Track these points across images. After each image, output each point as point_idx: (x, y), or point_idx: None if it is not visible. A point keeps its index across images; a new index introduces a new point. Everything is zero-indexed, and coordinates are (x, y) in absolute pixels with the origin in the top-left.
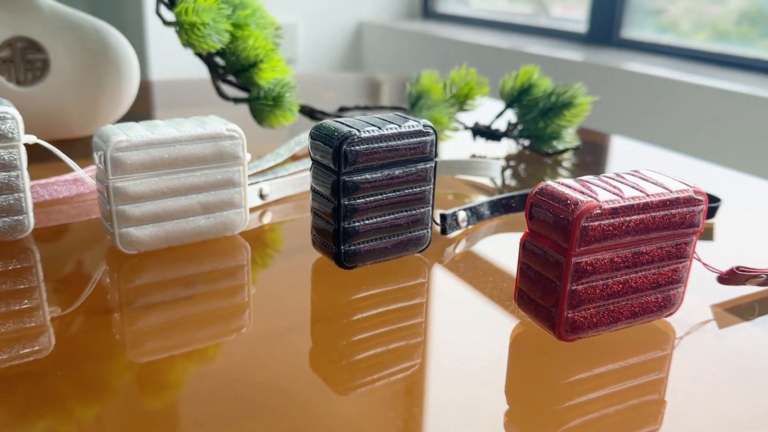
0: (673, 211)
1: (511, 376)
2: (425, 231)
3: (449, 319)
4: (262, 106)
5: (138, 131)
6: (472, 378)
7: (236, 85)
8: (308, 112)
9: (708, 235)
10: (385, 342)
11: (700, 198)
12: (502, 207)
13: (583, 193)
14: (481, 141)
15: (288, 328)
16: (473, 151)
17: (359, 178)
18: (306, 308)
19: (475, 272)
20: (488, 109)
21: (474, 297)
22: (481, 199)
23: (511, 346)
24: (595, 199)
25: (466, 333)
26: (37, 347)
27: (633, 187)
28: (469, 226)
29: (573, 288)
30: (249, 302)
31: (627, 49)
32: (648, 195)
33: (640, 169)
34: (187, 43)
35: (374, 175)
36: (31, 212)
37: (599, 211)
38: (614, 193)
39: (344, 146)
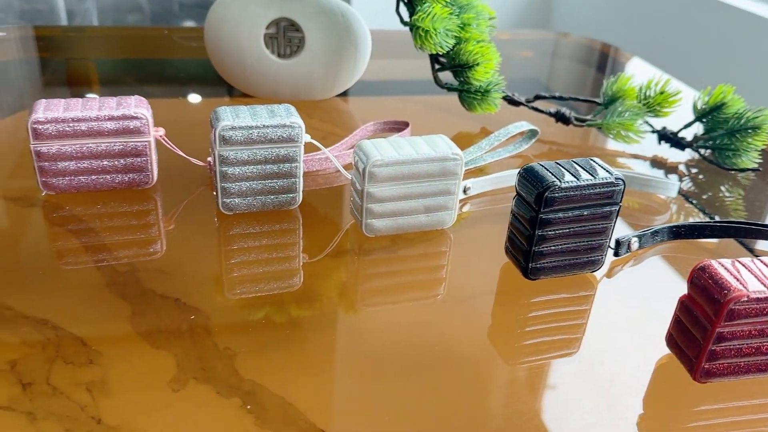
0: None
1: (649, 393)
2: (600, 256)
3: (604, 329)
4: (472, 98)
5: (388, 151)
6: (615, 384)
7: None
8: (509, 100)
9: None
10: (550, 333)
11: None
12: (672, 234)
13: (737, 279)
14: (665, 146)
15: (473, 295)
16: (655, 152)
17: (553, 216)
18: (492, 288)
19: (636, 293)
20: (676, 116)
21: (631, 317)
22: (654, 225)
23: (655, 371)
24: (744, 287)
25: (619, 344)
26: (290, 285)
27: None
28: (639, 250)
29: (713, 348)
30: (445, 277)
31: None
32: None
33: None
34: (420, 46)
35: (566, 215)
36: (300, 192)
37: (746, 299)
38: (762, 283)
39: (546, 193)
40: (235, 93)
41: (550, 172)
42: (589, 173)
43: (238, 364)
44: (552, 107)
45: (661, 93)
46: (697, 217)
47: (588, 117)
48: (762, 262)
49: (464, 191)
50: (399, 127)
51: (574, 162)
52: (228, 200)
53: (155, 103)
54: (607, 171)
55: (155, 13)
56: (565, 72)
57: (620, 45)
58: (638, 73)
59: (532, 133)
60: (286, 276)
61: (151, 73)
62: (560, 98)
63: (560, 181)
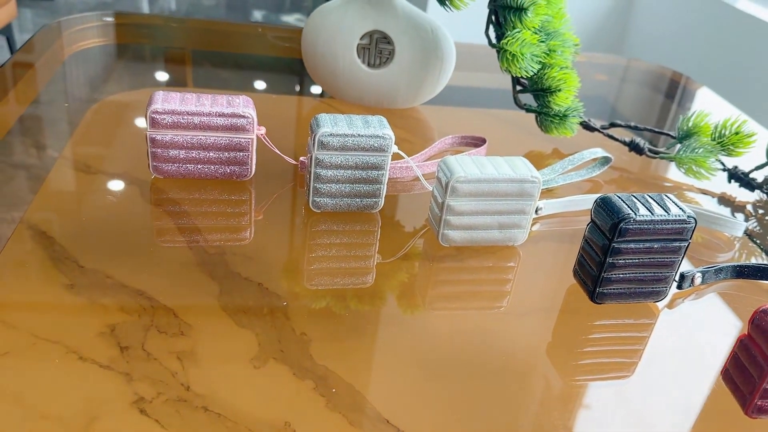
0: None
1: (698, 424)
2: (665, 288)
3: (661, 358)
4: (550, 121)
5: (470, 168)
6: (660, 412)
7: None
8: (585, 125)
9: None
10: (608, 355)
11: None
12: (735, 273)
13: None
14: (734, 185)
15: (536, 311)
16: (724, 189)
17: (625, 246)
18: (555, 306)
19: (695, 327)
20: (749, 156)
21: (687, 349)
22: (719, 263)
23: (706, 404)
24: None
25: (672, 374)
26: (363, 281)
27: None
28: (702, 285)
29: (766, 387)
30: (510, 291)
31: None
32: None
33: None
34: (506, 69)
35: (637, 246)
36: (383, 197)
37: None
38: None
39: (621, 224)
40: (324, 95)
41: (627, 204)
42: (663, 209)
43: (312, 350)
44: (627, 136)
45: (737, 133)
46: (761, 259)
47: (662, 149)
48: None
49: (536, 211)
50: (476, 142)
51: (649, 196)
52: (318, 199)
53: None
54: (680, 208)
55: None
56: (635, 98)
57: (691, 73)
58: (707, 103)
59: (605, 160)
60: (361, 273)
61: (245, 68)
62: (635, 128)
63: (635, 214)
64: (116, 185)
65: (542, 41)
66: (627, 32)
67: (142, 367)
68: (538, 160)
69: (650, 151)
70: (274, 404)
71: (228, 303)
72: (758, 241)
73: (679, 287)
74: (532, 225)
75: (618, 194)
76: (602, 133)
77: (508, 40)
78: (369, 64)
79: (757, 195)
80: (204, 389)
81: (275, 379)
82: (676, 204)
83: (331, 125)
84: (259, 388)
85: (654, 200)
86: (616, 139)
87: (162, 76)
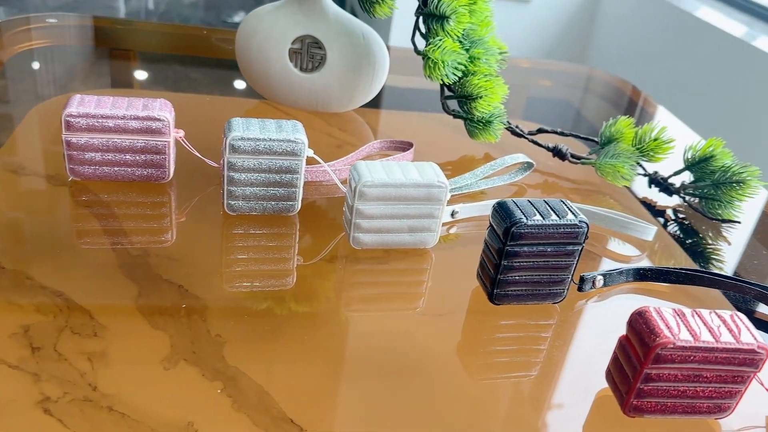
0: (733, 356)
1: (587, 421)
2: (562, 290)
3: (559, 357)
4: (474, 126)
5: (378, 174)
6: (558, 409)
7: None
8: (512, 131)
9: None
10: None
11: (761, 352)
12: (638, 276)
13: (668, 327)
14: (654, 189)
15: (448, 312)
16: (646, 194)
17: (518, 249)
18: (464, 307)
19: (593, 328)
20: (673, 162)
21: (584, 349)
22: (624, 265)
23: (596, 402)
24: (673, 335)
25: (568, 373)
26: (281, 284)
27: (710, 331)
28: (605, 287)
29: (641, 387)
30: (425, 293)
31: None
32: (716, 342)
33: (736, 314)
34: (428, 75)
35: (530, 249)
36: (299, 201)
37: (672, 346)
38: (692, 333)
39: (513, 228)
40: (263, 98)
41: (520, 210)
42: (557, 214)
43: (225, 351)
44: (552, 142)
45: (655, 140)
46: (675, 262)
47: (584, 155)
48: (698, 314)
49: (452, 215)
50: (404, 146)
51: (546, 201)
52: (232, 202)
53: (184, 98)
54: (573, 213)
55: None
56: (590, 107)
57: (652, 81)
58: (660, 118)
59: (528, 165)
60: (279, 276)
61: (190, 70)
62: (561, 134)
63: (527, 219)
64: (44, 187)
65: (467, 49)
66: (590, 40)
67: (52, 368)
68: (469, 164)
69: (572, 156)
70: (180, 405)
71: (145, 304)
72: (674, 246)
73: (580, 289)
74: (450, 228)
75: (515, 199)
76: (527, 139)
77: (430, 48)
78: (301, 69)
79: (678, 200)
80: (111, 390)
81: (184, 380)
82: (570, 209)
83: (243, 129)
84: (166, 388)
85: (550, 206)
86: (540, 145)
87: (105, 78)
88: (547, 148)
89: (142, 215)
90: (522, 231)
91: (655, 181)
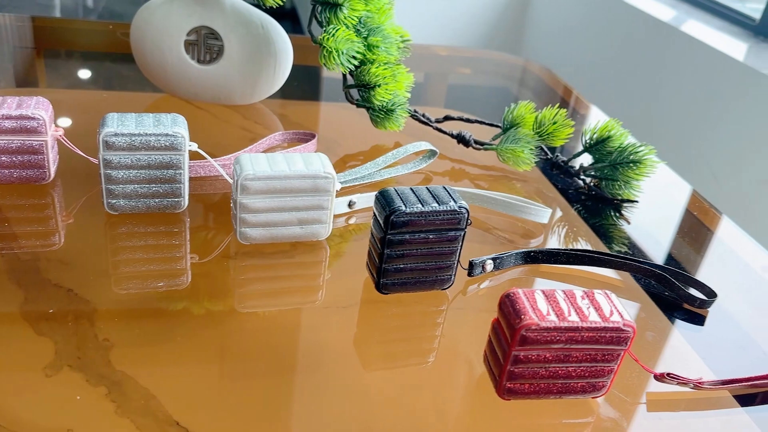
0: (600, 335)
1: (465, 405)
2: (449, 276)
3: (450, 343)
4: (376, 115)
5: (261, 166)
6: (446, 384)
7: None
8: (417, 119)
9: (699, 321)
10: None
11: (628, 329)
12: (528, 258)
13: (534, 308)
14: (556, 173)
15: (344, 305)
16: (547, 178)
17: (400, 237)
18: (359, 299)
19: (483, 312)
20: (571, 145)
21: (473, 335)
22: (511, 250)
23: (478, 381)
24: (538, 316)
25: (456, 352)
26: (174, 283)
27: (578, 311)
28: (496, 270)
29: (511, 369)
30: (322, 285)
31: None
32: (582, 321)
33: (607, 294)
34: (324, 64)
35: (412, 237)
36: (186, 197)
37: (536, 327)
38: (558, 314)
39: (392, 217)
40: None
41: (401, 198)
42: (438, 201)
43: (112, 355)
44: (457, 129)
45: (554, 123)
46: (577, 243)
47: (487, 141)
48: (569, 294)
49: (349, 205)
50: (306, 138)
51: (429, 189)
52: (113, 201)
53: (81, 95)
54: (454, 199)
55: None
56: (509, 94)
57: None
58: (590, 114)
59: (432, 153)
60: (171, 275)
61: (92, 66)
62: (467, 120)
63: (405, 207)
64: None
65: (365, 37)
66: (524, 29)
67: None
68: (377, 154)
69: (476, 142)
70: (60, 412)
71: (31, 310)
72: (575, 227)
73: (470, 274)
74: (350, 218)
75: (397, 188)
76: (432, 126)
77: (324, 36)
78: (199, 61)
79: (581, 182)
80: None
81: (66, 387)
82: (452, 196)
83: (117, 125)
84: (47, 396)
85: (432, 193)
86: (445, 132)
87: (8, 76)
88: (451, 135)
89: (27, 218)
90: (401, 219)
91: (556, 164)
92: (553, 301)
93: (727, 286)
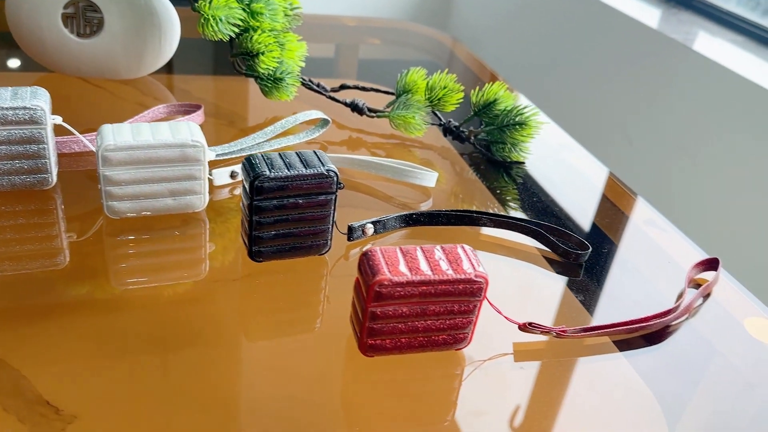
0: (454, 287)
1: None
2: (325, 241)
3: (330, 309)
4: (264, 84)
5: (124, 136)
6: (327, 349)
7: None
8: (308, 86)
9: (572, 273)
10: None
11: (480, 280)
12: (411, 221)
13: (388, 264)
14: (449, 138)
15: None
16: (443, 144)
17: (267, 203)
18: (239, 270)
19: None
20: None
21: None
22: (393, 213)
23: (348, 341)
24: (391, 272)
25: (337, 317)
26: (50, 263)
27: (431, 265)
28: (377, 234)
29: (370, 326)
30: (202, 257)
31: (714, 21)
32: (434, 274)
33: (463, 247)
34: (202, 32)
35: (281, 202)
36: (54, 172)
37: (388, 282)
38: (411, 269)
39: (256, 183)
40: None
41: (266, 163)
42: (305, 165)
43: None
44: (351, 97)
45: (444, 87)
46: (470, 207)
47: (381, 109)
48: (425, 250)
49: (231, 176)
50: (191, 109)
51: (298, 153)
52: None
53: None
54: (322, 163)
55: None
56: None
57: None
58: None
59: (324, 122)
60: (44, 255)
61: None
62: (363, 89)
63: (270, 172)
64: None
65: (248, 3)
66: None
67: None
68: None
69: (369, 110)
70: None
71: None
72: (468, 190)
73: (350, 239)
74: (233, 190)
75: (264, 153)
76: (324, 95)
77: (201, 3)
78: (78, 34)
79: (469, 146)
80: None
81: None
82: (320, 159)
83: None
84: None
85: (300, 157)
86: (338, 101)
87: None
88: (345, 104)
89: None
90: (266, 184)
91: (449, 129)
92: (410, 257)
93: (606, 239)
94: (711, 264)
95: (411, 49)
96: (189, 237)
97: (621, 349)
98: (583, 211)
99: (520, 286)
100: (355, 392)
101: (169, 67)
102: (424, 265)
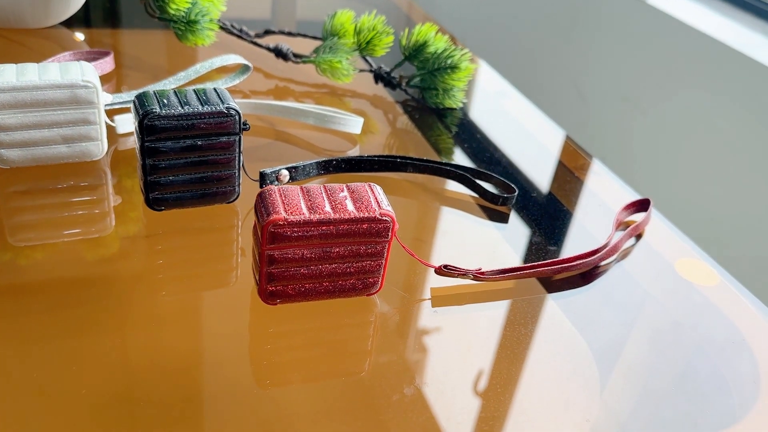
0: (357, 226)
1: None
2: (233, 188)
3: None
4: (177, 28)
5: (7, 77)
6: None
7: None
8: (228, 31)
9: (500, 218)
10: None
11: (386, 219)
12: (331, 168)
13: (285, 204)
14: (379, 84)
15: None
16: (375, 92)
17: (160, 145)
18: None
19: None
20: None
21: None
22: (310, 159)
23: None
24: (287, 211)
25: (247, 269)
26: None
27: (333, 205)
28: (293, 181)
29: (268, 270)
30: (108, 210)
31: None
32: (335, 213)
33: (373, 186)
34: None
35: (175, 144)
36: None
37: (283, 222)
38: (310, 208)
39: (145, 121)
40: None
41: (157, 100)
42: (202, 103)
43: None
44: (274, 42)
45: (373, 29)
46: (414, 153)
47: (306, 54)
48: (328, 189)
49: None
50: (99, 56)
51: (195, 90)
52: None
53: None
54: (222, 101)
55: None
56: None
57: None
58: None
59: (246, 68)
60: None
61: None
62: (289, 34)
63: (161, 109)
64: None
65: None
66: None
67: None
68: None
69: (294, 56)
70: None
71: None
72: (396, 137)
73: (262, 186)
74: None
75: (156, 90)
76: (247, 40)
77: None
78: None
79: (400, 93)
80: None
81: None
82: (221, 97)
83: None
84: None
85: (198, 94)
86: (261, 46)
87: None
88: (268, 49)
89: None
90: (156, 123)
91: (380, 76)
92: (311, 195)
93: (538, 184)
94: (643, 205)
95: (357, 2)
96: (89, 189)
97: (549, 291)
98: (517, 158)
99: (447, 231)
100: (265, 345)
101: (86, 21)
102: (326, 204)
